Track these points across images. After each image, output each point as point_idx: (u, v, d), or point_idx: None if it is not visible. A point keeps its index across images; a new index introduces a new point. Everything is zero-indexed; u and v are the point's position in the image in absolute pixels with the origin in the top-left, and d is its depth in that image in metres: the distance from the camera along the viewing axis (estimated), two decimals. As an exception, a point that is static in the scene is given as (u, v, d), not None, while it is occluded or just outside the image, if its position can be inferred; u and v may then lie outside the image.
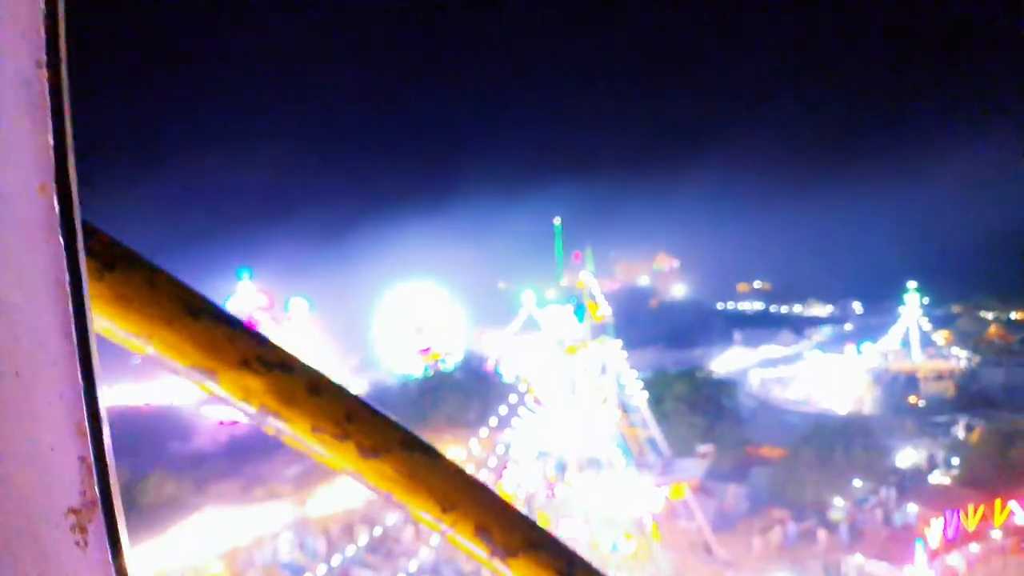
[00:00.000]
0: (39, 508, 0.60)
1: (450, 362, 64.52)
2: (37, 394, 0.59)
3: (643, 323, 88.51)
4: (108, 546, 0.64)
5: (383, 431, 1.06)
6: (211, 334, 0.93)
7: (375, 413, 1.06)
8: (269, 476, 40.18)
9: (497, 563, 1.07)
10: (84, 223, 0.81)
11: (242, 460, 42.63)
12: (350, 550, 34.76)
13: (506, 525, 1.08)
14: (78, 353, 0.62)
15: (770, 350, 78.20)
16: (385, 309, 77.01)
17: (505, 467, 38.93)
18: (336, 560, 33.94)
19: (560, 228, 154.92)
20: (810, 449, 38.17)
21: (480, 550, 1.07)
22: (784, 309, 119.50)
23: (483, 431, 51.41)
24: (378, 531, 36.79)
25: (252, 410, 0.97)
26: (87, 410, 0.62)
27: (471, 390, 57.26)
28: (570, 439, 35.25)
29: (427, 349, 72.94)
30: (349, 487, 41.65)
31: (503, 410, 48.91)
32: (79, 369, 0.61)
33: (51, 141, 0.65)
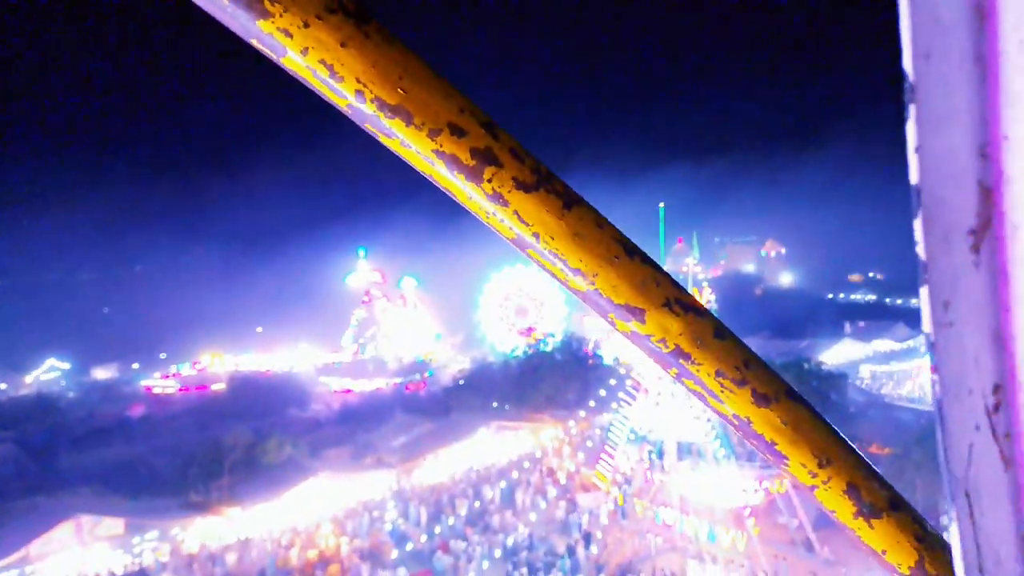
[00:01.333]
0: (949, 223, 0.69)
1: (551, 343, 65.26)
2: (953, 115, 0.67)
3: (748, 311, 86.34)
4: (996, 268, 0.69)
5: (773, 380, 1.07)
6: (643, 275, 1.00)
7: (763, 363, 1.08)
8: (378, 445, 42.28)
9: (862, 522, 1.10)
10: (550, 172, 0.99)
11: (354, 428, 45.12)
12: (450, 521, 36.17)
13: (873, 485, 1.11)
14: (987, 81, 0.66)
15: (883, 344, 74.49)
16: (490, 290, 78.67)
17: (603, 450, 39.26)
18: (436, 530, 35.42)
19: (664, 212, 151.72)
20: (922, 449, 36.37)
21: (847, 507, 1.10)
22: (900, 301, 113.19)
23: (581, 412, 52.02)
24: (477, 505, 38.10)
25: (665, 351, 1.03)
26: (988, 135, 0.66)
27: (570, 372, 57.80)
28: (669, 426, 35.18)
29: (529, 330, 74.07)
30: (451, 460, 43.26)
31: (602, 393, 49.23)
32: (986, 97, 0.66)
33: None
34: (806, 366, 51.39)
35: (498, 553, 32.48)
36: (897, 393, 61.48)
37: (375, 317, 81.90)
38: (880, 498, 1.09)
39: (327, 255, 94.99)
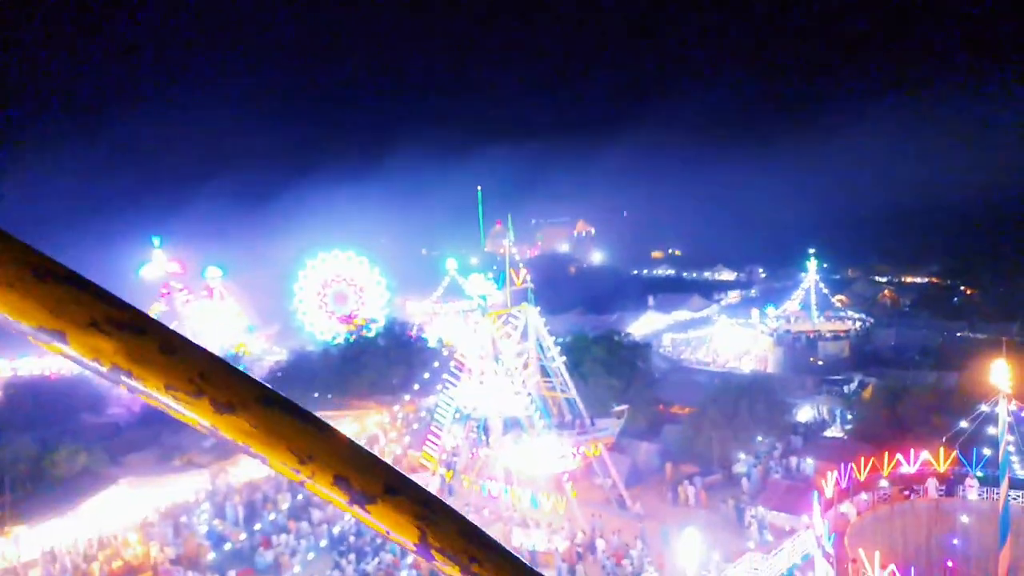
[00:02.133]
0: None
1: (373, 329, 64.28)
2: None
3: (563, 289, 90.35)
4: None
5: (238, 388, 1.07)
6: (57, 296, 0.95)
7: (232, 371, 1.08)
8: (187, 446, 39.43)
9: (357, 509, 1.12)
10: None
11: (159, 430, 41.61)
12: (271, 516, 34.81)
13: (364, 473, 1.13)
14: None
15: (682, 314, 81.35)
16: (306, 277, 75.81)
17: (429, 431, 39.54)
18: (256, 527, 33.94)
19: (482, 196, 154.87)
20: (717, 407, 40.37)
21: (339, 497, 1.12)
22: (695, 275, 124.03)
23: (406, 396, 51.91)
24: (300, 497, 36.92)
25: (103, 369, 1.00)
26: None
27: (394, 356, 57.39)
28: (492, 403, 36.14)
29: (350, 316, 72.42)
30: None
31: (426, 375, 49.45)
32: None
33: None
34: (616, 338, 54.89)
35: (324, 543, 31.76)
36: (694, 358, 67.58)
37: (176, 311, 76.04)
38: (373, 485, 1.14)
39: (116, 245, 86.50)
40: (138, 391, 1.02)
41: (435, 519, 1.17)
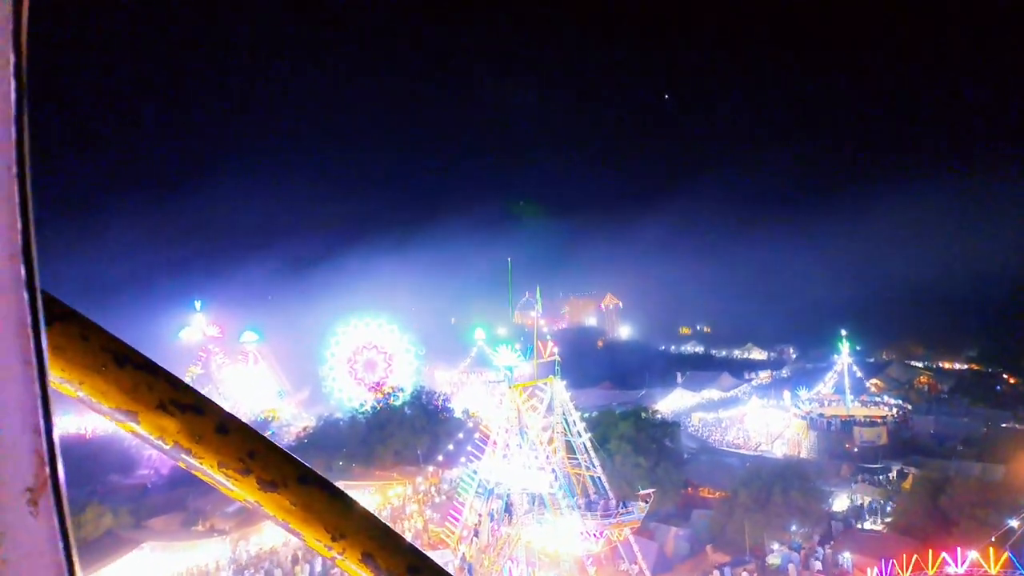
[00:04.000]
0: (4, 486, 0.83)
1: (400, 397, 64.23)
2: (7, 405, 0.83)
3: (590, 362, 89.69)
4: (56, 516, 0.86)
5: (281, 467, 1.18)
6: (134, 380, 1.11)
7: (276, 451, 1.20)
8: (211, 511, 39.29)
9: None
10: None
11: (184, 494, 41.64)
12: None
13: (390, 551, 1.22)
14: (38, 382, 0.85)
15: (711, 393, 79.97)
16: (338, 343, 76.52)
17: (451, 505, 38.92)
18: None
19: (512, 267, 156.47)
20: (748, 492, 39.16)
21: (367, 574, 1.21)
22: (724, 353, 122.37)
23: (430, 468, 51.31)
24: (319, 570, 36.32)
25: (167, 447, 1.13)
26: (42, 415, 0.85)
27: (420, 426, 57.12)
28: (516, 477, 35.55)
29: (378, 384, 72.55)
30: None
31: (450, 447, 48.93)
32: (36, 388, 0.84)
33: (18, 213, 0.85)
34: (644, 415, 54.00)
35: (342, 620, 30.97)
36: (725, 439, 66.02)
37: (211, 374, 77.03)
38: (397, 564, 1.23)
39: (158, 309, 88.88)
40: (194, 468, 1.15)
41: None
